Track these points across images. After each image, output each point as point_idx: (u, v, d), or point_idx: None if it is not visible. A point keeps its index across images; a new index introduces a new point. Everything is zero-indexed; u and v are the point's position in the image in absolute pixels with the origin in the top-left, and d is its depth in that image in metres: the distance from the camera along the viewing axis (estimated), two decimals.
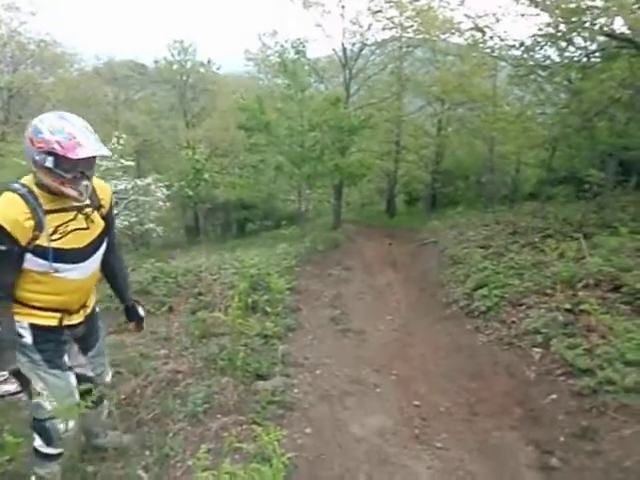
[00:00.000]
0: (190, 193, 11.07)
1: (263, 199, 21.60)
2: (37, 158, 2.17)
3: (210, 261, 7.94)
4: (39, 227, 2.20)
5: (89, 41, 56.94)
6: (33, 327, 2.36)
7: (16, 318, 2.32)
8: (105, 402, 2.98)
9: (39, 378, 2.40)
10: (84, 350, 2.66)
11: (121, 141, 13.02)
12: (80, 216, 2.35)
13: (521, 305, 5.41)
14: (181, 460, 2.90)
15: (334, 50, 16.92)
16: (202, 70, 27.64)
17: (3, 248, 2.17)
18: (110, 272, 2.78)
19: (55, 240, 2.25)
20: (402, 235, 13.94)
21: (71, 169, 2.20)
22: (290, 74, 12.96)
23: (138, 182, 12.96)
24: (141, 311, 2.94)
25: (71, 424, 2.48)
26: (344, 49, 16.40)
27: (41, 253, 2.24)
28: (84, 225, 2.37)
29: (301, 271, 8.08)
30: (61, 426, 2.44)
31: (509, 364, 4.37)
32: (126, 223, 12.63)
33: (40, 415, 2.44)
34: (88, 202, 2.38)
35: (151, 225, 13.68)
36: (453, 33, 12.47)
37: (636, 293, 4.67)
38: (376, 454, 3.04)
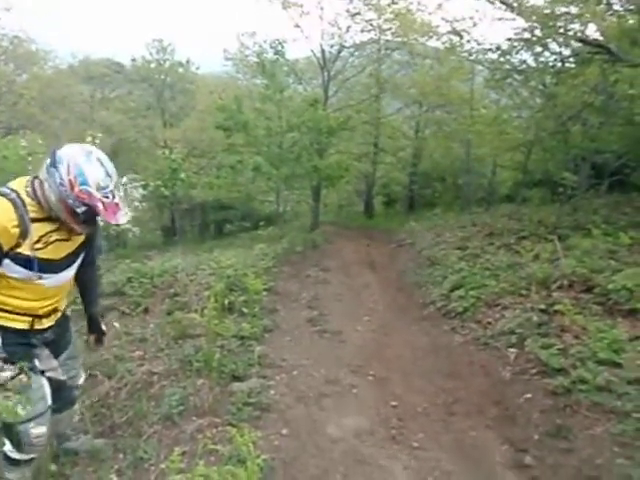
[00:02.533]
0: (166, 193, 10.95)
1: (241, 200, 21.44)
2: (69, 201, 2.13)
3: (187, 262, 7.85)
4: (24, 235, 2.16)
5: (64, 38, 56.07)
6: (2, 329, 2.30)
7: None
8: (76, 405, 2.94)
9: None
10: (55, 354, 2.58)
11: (96, 140, 12.82)
12: (63, 227, 2.29)
13: (497, 306, 5.48)
14: (155, 463, 2.85)
15: (312, 51, 16.92)
16: (180, 70, 27.44)
17: None
18: (82, 283, 2.75)
19: (37, 249, 2.21)
20: (380, 236, 13.98)
21: (93, 217, 2.23)
22: (268, 74, 12.93)
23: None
24: (103, 326, 2.89)
25: (43, 429, 2.40)
26: (322, 51, 16.41)
27: (22, 261, 2.19)
28: (65, 236, 2.32)
29: (279, 272, 8.04)
30: (32, 431, 2.36)
31: (485, 364, 4.41)
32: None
33: (10, 419, 2.34)
34: None
35: (127, 225, 13.51)
36: (431, 36, 12.60)
37: (608, 294, 4.76)
38: (352, 455, 3.04)
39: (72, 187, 2.10)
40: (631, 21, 8.54)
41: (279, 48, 13.74)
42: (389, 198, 23.89)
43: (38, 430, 2.37)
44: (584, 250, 6.19)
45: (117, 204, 2.20)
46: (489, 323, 5.15)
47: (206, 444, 2.12)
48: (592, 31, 8.21)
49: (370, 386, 4.13)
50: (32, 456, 2.48)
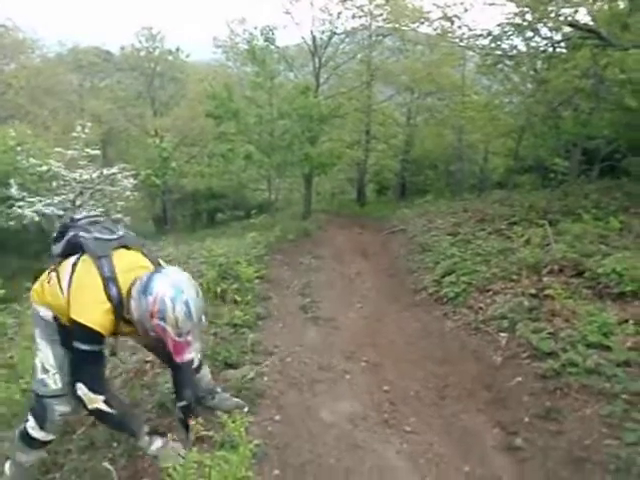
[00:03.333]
0: (157, 182, 10.90)
1: (233, 188, 21.41)
2: (147, 325, 2.21)
3: (179, 251, 7.85)
4: None
5: (52, 26, 55.32)
6: None
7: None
8: (206, 368, 3.08)
9: (53, 355, 2.43)
10: None
11: (86, 129, 12.75)
12: None
13: (488, 291, 5.51)
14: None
15: (303, 38, 16.86)
16: (170, 58, 27.14)
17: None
18: None
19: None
20: (372, 224, 14.00)
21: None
22: (259, 62, 12.85)
23: (104, 171, 12.70)
24: None
25: (68, 408, 2.47)
26: (313, 37, 16.34)
27: None
28: None
29: (271, 260, 8.04)
30: (59, 408, 2.43)
31: (476, 349, 4.44)
32: (92, 213, 12.35)
33: (42, 392, 2.44)
34: None
35: (118, 215, 13.44)
36: (422, 22, 12.56)
37: (598, 278, 4.80)
38: (345, 439, 3.06)
39: (152, 317, 2.16)
40: (621, 6, 8.54)
41: (269, 35, 13.66)
42: (381, 186, 23.90)
43: (62, 408, 2.45)
44: (574, 235, 6.23)
45: (188, 342, 2.26)
46: (480, 308, 5.18)
47: (198, 430, 2.12)
48: (583, 15, 8.22)
49: (363, 372, 4.15)
50: (50, 437, 2.52)
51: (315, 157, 13.16)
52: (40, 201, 11.65)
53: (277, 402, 3.49)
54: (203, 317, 2.36)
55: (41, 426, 2.45)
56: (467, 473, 2.81)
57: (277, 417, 3.29)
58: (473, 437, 3.16)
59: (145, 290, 2.17)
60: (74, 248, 2.42)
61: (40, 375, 2.43)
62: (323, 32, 16.56)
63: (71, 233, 2.44)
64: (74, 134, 12.81)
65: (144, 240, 2.97)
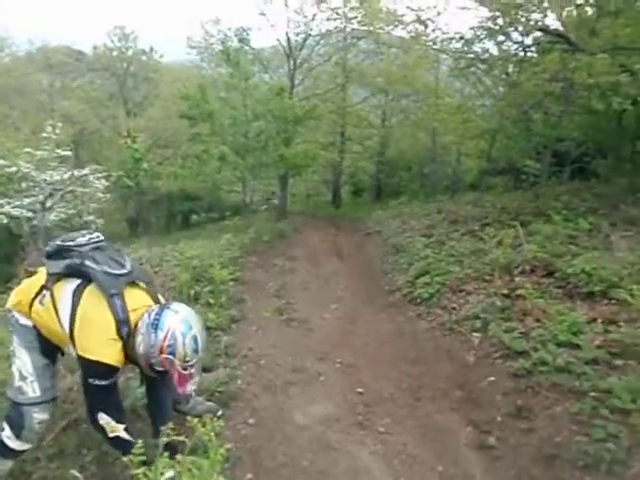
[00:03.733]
0: (130, 183, 10.73)
1: (207, 190, 21.21)
2: (152, 360, 2.26)
3: (152, 253, 7.74)
4: None
5: (21, 25, 54.18)
6: None
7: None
8: None
9: (30, 361, 2.41)
10: None
11: (57, 130, 12.47)
12: None
13: (461, 291, 5.56)
14: (119, 457, 2.80)
15: (278, 40, 16.80)
16: (144, 58, 26.79)
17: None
18: None
19: None
20: (347, 225, 14.03)
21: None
22: (233, 63, 12.76)
23: (75, 172, 12.44)
24: None
25: (46, 416, 2.47)
26: (288, 39, 16.31)
27: None
28: None
29: (245, 262, 7.99)
30: (37, 416, 2.41)
31: (450, 349, 4.48)
32: (63, 215, 12.13)
33: (20, 399, 2.41)
34: None
35: (90, 217, 13.19)
36: (396, 25, 12.62)
37: (568, 277, 4.88)
38: (319, 441, 3.05)
39: (161, 352, 2.20)
40: (589, 12, 8.74)
41: (244, 36, 13.58)
42: (356, 187, 23.96)
43: (41, 416, 2.44)
44: (545, 236, 6.34)
45: (192, 374, 2.32)
46: (454, 308, 5.22)
47: (169, 435, 2.08)
48: (552, 20, 8.38)
49: (337, 373, 4.15)
50: (26, 447, 2.50)
51: (290, 158, 13.13)
52: (9, 203, 11.35)
53: (251, 405, 3.47)
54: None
55: (17, 435, 2.42)
56: (441, 472, 2.83)
57: (251, 420, 3.27)
58: (447, 436, 3.18)
59: (156, 326, 2.20)
60: (75, 273, 2.37)
61: (18, 382, 2.40)
62: (298, 34, 16.53)
63: (76, 260, 2.37)
64: (44, 135, 12.53)
65: (147, 276, 2.95)
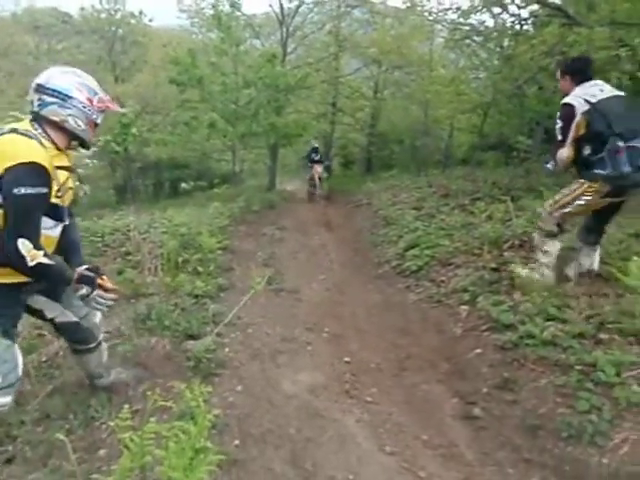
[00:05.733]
0: (117, 149, 10.53)
1: (197, 159, 21.01)
2: (94, 117, 2.41)
3: (140, 220, 7.65)
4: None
5: None
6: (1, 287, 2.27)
7: None
8: (103, 344, 2.97)
9: None
10: (55, 297, 2.61)
11: None
12: (72, 175, 2.45)
13: (450, 265, 5.57)
14: (106, 422, 2.80)
15: (271, 6, 16.46)
16: (133, 21, 26.09)
17: (44, 191, 2.14)
18: (73, 234, 2.73)
19: (58, 197, 2.28)
20: (337, 197, 13.98)
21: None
22: (224, 28, 12.49)
23: None
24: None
25: (9, 399, 2.37)
26: (281, 5, 15.97)
27: (49, 209, 2.26)
28: (71, 184, 2.42)
29: (234, 231, 7.95)
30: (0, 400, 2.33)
31: (438, 321, 4.50)
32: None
33: None
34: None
35: (77, 183, 12.99)
36: None
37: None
38: (306, 409, 3.06)
39: (92, 103, 2.38)
40: None
41: (235, 0, 13.26)
42: (347, 159, 23.85)
43: (4, 399, 2.34)
44: (535, 211, 6.33)
45: (110, 99, 2.51)
46: (442, 281, 5.24)
47: (156, 401, 2.07)
48: None
49: (325, 343, 4.16)
50: None
51: (281, 127, 12.99)
52: None
53: (238, 373, 3.46)
54: None
55: None
56: (425, 441, 2.86)
57: (238, 388, 3.26)
58: (432, 407, 3.21)
59: (65, 96, 2.33)
60: None
61: None
62: (291, 1, 16.21)
63: None
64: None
65: None
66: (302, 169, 17.99)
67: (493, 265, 5.00)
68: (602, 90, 3.77)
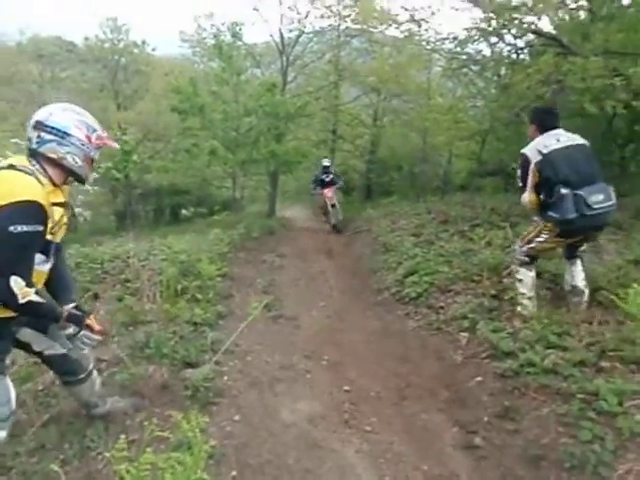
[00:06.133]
0: (118, 176, 10.61)
1: (197, 185, 21.12)
2: (92, 154, 2.46)
3: (139, 247, 7.65)
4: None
5: (12, 15, 53.67)
6: None
7: None
8: (95, 373, 2.96)
9: None
10: (43, 330, 2.61)
11: None
12: (66, 211, 2.43)
13: (450, 291, 5.55)
14: (102, 452, 2.76)
15: (271, 36, 16.74)
16: (136, 51, 26.51)
17: (40, 229, 2.15)
18: (62, 269, 2.75)
19: (52, 234, 2.29)
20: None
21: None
22: (225, 57, 12.69)
23: None
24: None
25: (3, 434, 2.36)
26: (281, 35, 16.24)
27: (43, 246, 2.27)
28: (65, 221, 2.42)
29: (234, 258, 7.94)
30: None
31: (437, 348, 4.47)
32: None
33: None
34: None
35: (78, 209, 13.05)
36: (390, 24, 12.57)
37: (555, 279, 4.89)
38: (305, 439, 3.02)
39: (90, 140, 2.42)
40: (582, 16, 8.77)
41: (237, 31, 13.50)
42: (347, 186, 23.93)
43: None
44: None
45: (108, 136, 2.58)
46: (442, 308, 5.22)
47: (153, 431, 2.05)
48: (545, 23, 8.41)
49: (324, 371, 4.13)
50: None
51: (281, 155, 13.09)
52: None
53: (236, 402, 3.43)
54: None
55: None
56: (425, 472, 2.81)
57: (236, 417, 3.23)
58: (433, 436, 3.17)
59: (63, 134, 2.36)
60: None
61: None
62: (291, 30, 16.49)
63: None
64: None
65: None
66: (308, 196, 16.43)
67: (493, 292, 5.00)
68: (558, 140, 4.03)
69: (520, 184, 4.20)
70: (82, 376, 2.85)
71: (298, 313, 5.59)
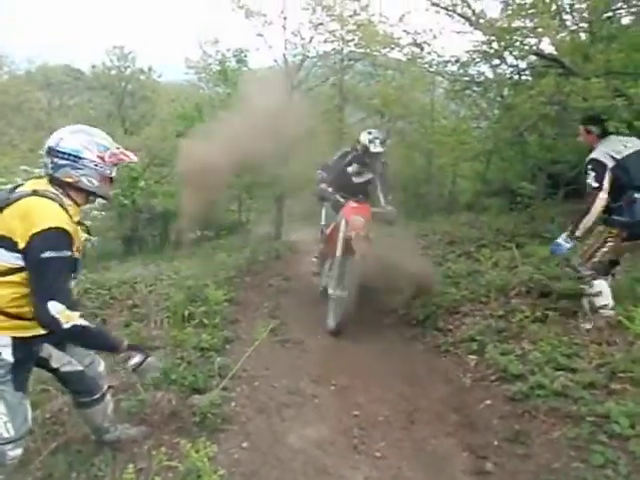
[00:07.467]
0: (125, 202, 10.71)
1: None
2: (107, 172, 2.50)
3: (146, 272, 7.69)
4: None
5: (20, 43, 54.80)
6: (16, 341, 2.27)
7: None
8: (108, 396, 2.96)
9: (2, 400, 2.28)
10: (62, 347, 2.63)
11: None
12: (82, 227, 2.55)
13: (457, 313, 5.53)
14: None
15: (276, 61, 16.93)
16: (142, 77, 26.99)
17: (69, 254, 2.23)
18: None
19: (77, 251, 2.38)
20: None
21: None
22: (231, 83, 12.86)
23: None
24: None
25: (19, 451, 2.38)
26: (285, 60, 16.43)
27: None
28: (82, 236, 2.51)
29: (240, 282, 7.93)
30: (9, 453, 2.32)
31: (446, 371, 4.44)
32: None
33: None
34: None
35: (85, 235, 13.14)
36: (393, 48, 12.73)
37: (563, 300, 4.86)
38: (313, 465, 3.00)
39: (103, 160, 2.46)
40: (583, 37, 8.85)
41: (242, 57, 13.70)
42: None
43: (15, 452, 2.35)
44: (541, 257, 6.32)
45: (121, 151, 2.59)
46: (450, 330, 5.19)
47: (161, 460, 2.04)
48: (546, 45, 8.49)
49: (331, 395, 4.10)
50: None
51: (286, 178, 13.15)
52: None
53: (244, 428, 3.41)
54: None
55: None
56: None
57: (244, 444, 3.21)
58: (443, 461, 3.13)
59: (75, 158, 2.43)
60: None
61: None
62: (295, 55, 16.68)
63: None
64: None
65: None
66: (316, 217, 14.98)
67: (500, 313, 4.98)
68: (626, 145, 4.18)
69: (596, 185, 4.16)
70: (97, 396, 2.86)
71: (305, 337, 5.56)
